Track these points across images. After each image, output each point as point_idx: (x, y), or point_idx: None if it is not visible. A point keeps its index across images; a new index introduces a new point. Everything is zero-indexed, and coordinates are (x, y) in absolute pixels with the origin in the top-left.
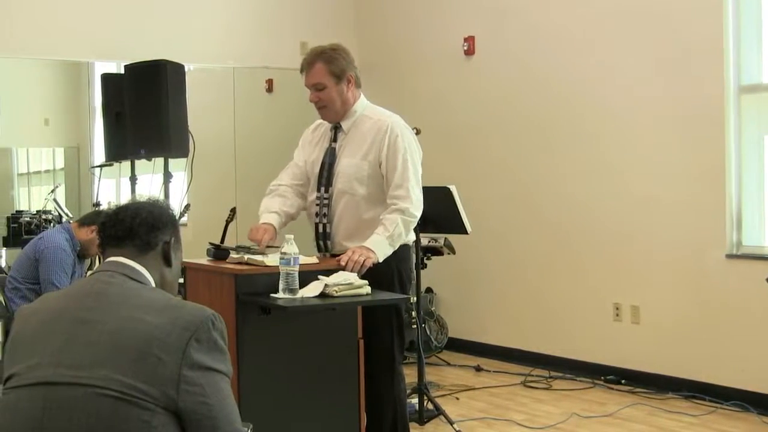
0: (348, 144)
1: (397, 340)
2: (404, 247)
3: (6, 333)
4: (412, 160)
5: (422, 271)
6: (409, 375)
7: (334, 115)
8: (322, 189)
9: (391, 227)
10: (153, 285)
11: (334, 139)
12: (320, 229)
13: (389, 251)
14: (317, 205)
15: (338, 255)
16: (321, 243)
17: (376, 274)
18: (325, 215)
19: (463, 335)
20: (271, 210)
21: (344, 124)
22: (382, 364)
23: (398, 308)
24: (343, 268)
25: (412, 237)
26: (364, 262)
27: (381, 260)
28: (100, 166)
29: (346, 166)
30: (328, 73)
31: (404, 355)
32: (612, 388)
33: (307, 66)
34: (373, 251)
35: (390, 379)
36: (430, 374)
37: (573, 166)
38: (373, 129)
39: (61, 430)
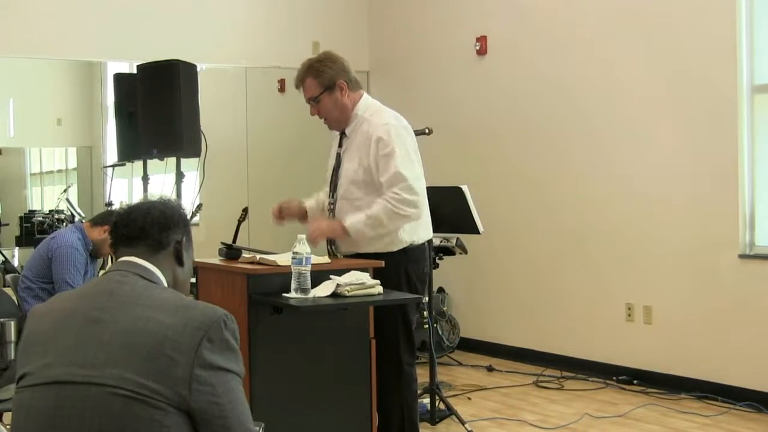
0: (349, 148)
1: (404, 340)
2: (416, 249)
3: (19, 332)
4: (403, 157)
5: (434, 271)
6: (421, 375)
7: (337, 123)
8: (331, 194)
9: (375, 209)
10: (165, 284)
11: (340, 144)
12: None
13: (364, 231)
14: (328, 210)
15: (348, 257)
16: (327, 248)
17: (383, 275)
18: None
19: (475, 335)
20: (312, 197)
21: (348, 130)
22: (388, 364)
23: (405, 309)
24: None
25: (426, 236)
26: (316, 237)
27: (351, 235)
28: (113, 166)
29: (345, 170)
30: (319, 85)
31: (416, 356)
32: (624, 389)
33: (299, 83)
34: (343, 225)
35: (396, 380)
36: (442, 374)
37: (585, 166)
38: (366, 133)
39: (73, 429)
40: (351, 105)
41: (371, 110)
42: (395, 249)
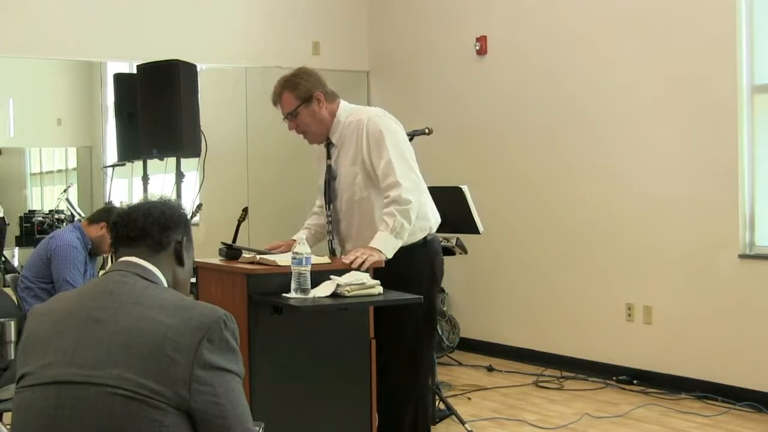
0: (341, 154)
1: (424, 335)
2: (434, 240)
3: (19, 332)
4: (394, 145)
5: None
6: None
7: (316, 137)
8: (328, 207)
9: (390, 221)
10: (165, 285)
11: (329, 156)
12: (330, 246)
13: (397, 244)
14: (327, 222)
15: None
16: (329, 249)
17: (406, 266)
18: (330, 232)
19: (475, 335)
20: (303, 227)
21: (333, 138)
22: (403, 361)
23: (428, 304)
24: (349, 267)
25: (436, 216)
26: (366, 259)
27: (390, 256)
28: (113, 166)
29: (344, 176)
30: (296, 98)
31: (434, 354)
32: (624, 389)
33: (277, 98)
34: (377, 249)
35: (412, 377)
36: (442, 374)
37: (585, 166)
38: (356, 130)
39: (73, 429)
40: (330, 116)
41: (354, 112)
42: (419, 238)
